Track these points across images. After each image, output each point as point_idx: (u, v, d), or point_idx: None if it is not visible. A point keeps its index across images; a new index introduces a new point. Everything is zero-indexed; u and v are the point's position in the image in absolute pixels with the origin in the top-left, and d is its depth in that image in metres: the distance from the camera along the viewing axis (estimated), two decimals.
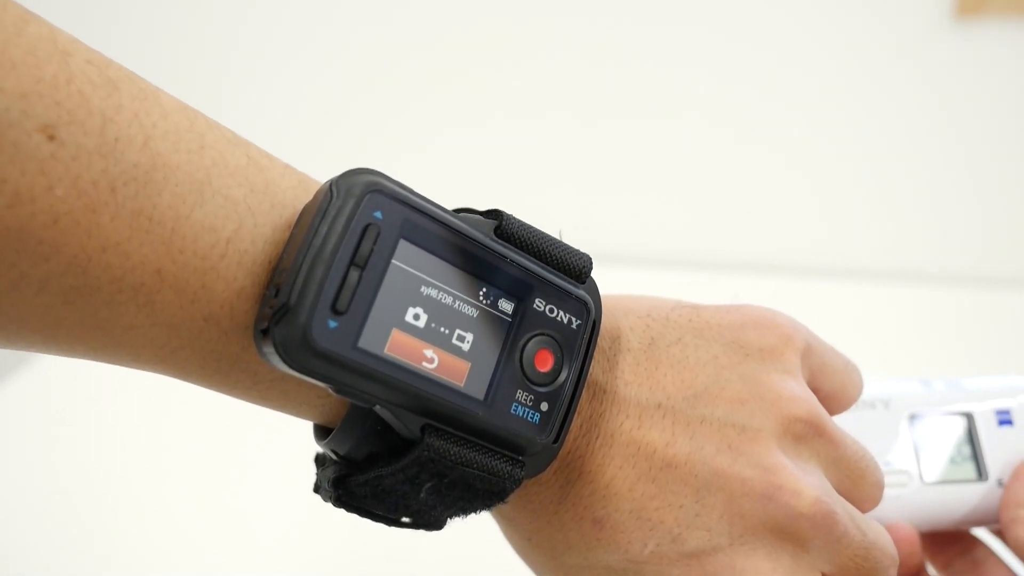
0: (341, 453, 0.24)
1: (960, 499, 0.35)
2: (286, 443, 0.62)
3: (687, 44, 0.89)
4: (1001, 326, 0.81)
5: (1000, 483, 0.35)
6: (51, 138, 0.19)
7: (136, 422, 0.69)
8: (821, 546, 0.24)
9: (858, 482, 0.27)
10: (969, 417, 0.36)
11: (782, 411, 0.25)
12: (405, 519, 0.25)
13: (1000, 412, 0.37)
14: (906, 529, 0.33)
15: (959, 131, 0.87)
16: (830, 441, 0.26)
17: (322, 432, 0.25)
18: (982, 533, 0.37)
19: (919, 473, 0.35)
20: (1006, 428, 0.36)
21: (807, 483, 0.24)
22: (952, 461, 0.36)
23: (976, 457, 0.36)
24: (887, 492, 0.34)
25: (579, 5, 0.90)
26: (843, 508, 0.25)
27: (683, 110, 0.91)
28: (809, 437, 0.25)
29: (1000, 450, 0.36)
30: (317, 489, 0.26)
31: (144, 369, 0.23)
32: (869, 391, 0.36)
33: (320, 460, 0.26)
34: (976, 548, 0.36)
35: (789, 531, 0.24)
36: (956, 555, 0.36)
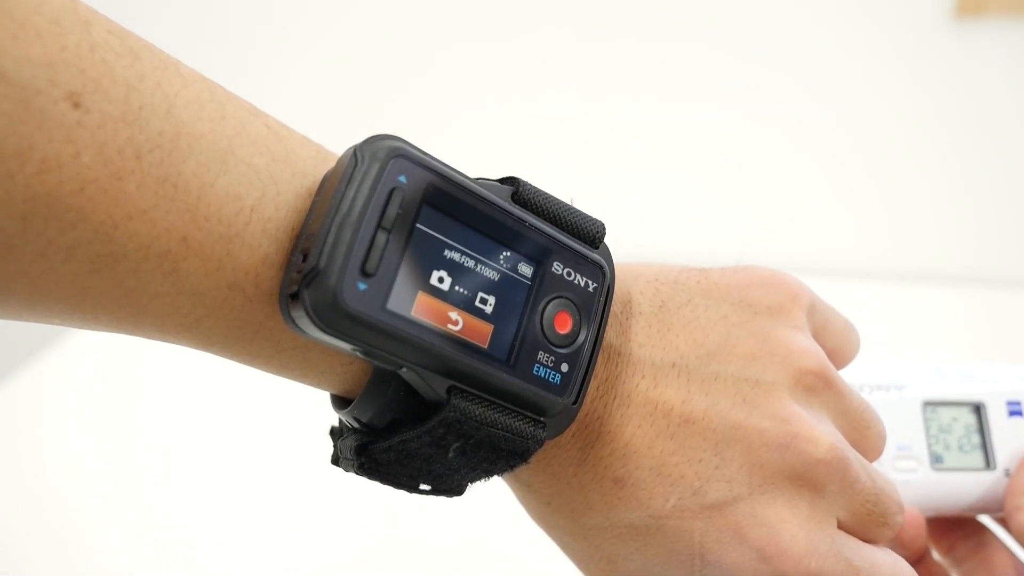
0: (364, 420, 0.24)
1: (967, 487, 0.36)
2: (291, 441, 0.63)
3: (686, 44, 0.89)
4: (998, 325, 0.81)
5: (1007, 473, 0.36)
6: (77, 106, 0.19)
7: (138, 420, 0.69)
8: (836, 491, 0.25)
9: (864, 432, 0.28)
10: (981, 406, 0.37)
11: (793, 364, 0.26)
12: (424, 486, 0.25)
13: (1011, 403, 0.37)
14: (912, 513, 0.34)
15: (959, 131, 0.87)
16: (838, 393, 0.27)
17: (340, 403, 0.25)
18: (985, 520, 0.38)
19: (928, 459, 0.36)
20: (1016, 419, 0.37)
21: (822, 431, 0.25)
22: (961, 449, 0.36)
23: (985, 446, 0.36)
24: (896, 476, 0.34)
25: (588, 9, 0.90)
26: (854, 455, 0.26)
27: (681, 111, 0.92)
28: (819, 389, 0.26)
29: (1009, 440, 0.36)
30: (336, 461, 0.26)
31: (167, 340, 0.23)
32: (884, 374, 0.36)
33: (336, 432, 0.26)
34: (979, 533, 0.37)
35: (806, 478, 0.25)
36: (959, 539, 0.37)
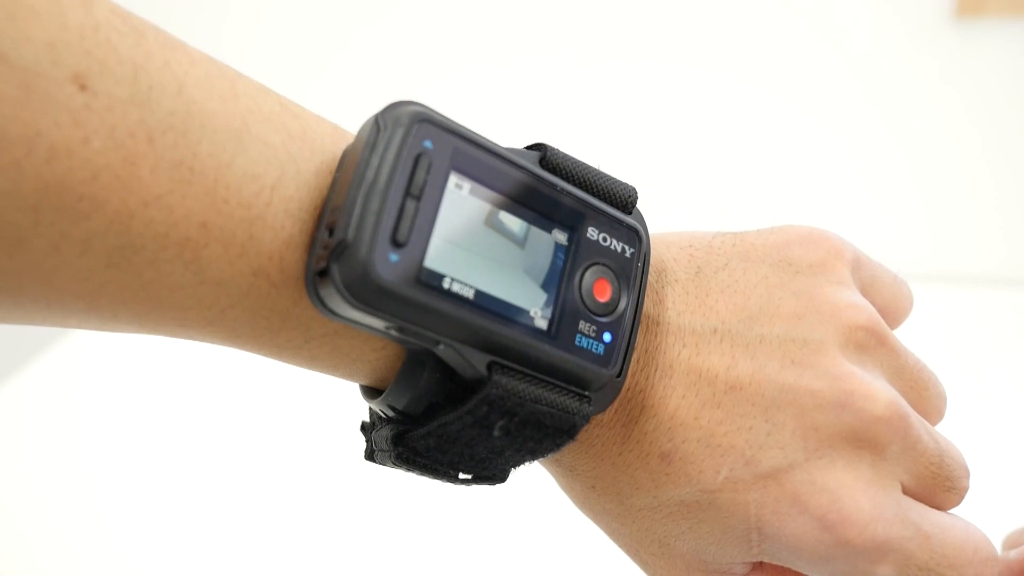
0: (399, 407, 0.23)
1: None
2: (295, 437, 0.62)
3: (686, 45, 0.88)
4: (998, 325, 0.80)
5: None
6: (83, 88, 0.18)
7: (138, 420, 0.69)
8: (898, 452, 0.24)
9: (923, 393, 0.26)
10: None
11: (842, 320, 0.24)
12: (464, 475, 0.24)
13: None
14: None
15: (958, 131, 0.86)
16: (892, 350, 0.25)
17: (372, 393, 0.24)
18: None
19: None
20: None
21: (879, 387, 0.24)
22: None
23: None
24: None
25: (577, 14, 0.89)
26: (915, 414, 0.25)
27: (681, 110, 0.91)
28: (871, 346, 0.25)
29: None
30: (370, 455, 0.25)
31: (190, 336, 0.22)
32: None
33: (368, 426, 0.25)
34: None
35: (866, 438, 0.23)
36: None
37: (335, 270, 0.19)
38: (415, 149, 0.20)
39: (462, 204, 0.21)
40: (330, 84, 0.98)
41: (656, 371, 0.25)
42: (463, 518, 0.55)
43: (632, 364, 0.25)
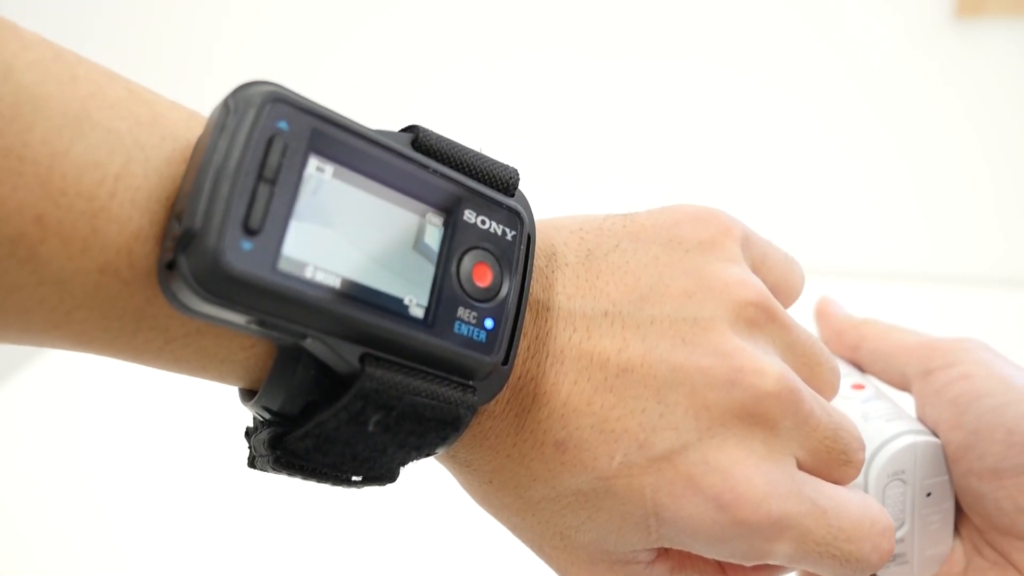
0: (275, 408, 0.22)
1: None
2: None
3: (685, 44, 0.88)
4: (998, 325, 0.79)
5: None
6: None
7: (131, 424, 0.68)
8: (791, 427, 0.24)
9: (815, 368, 0.26)
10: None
11: (731, 297, 0.24)
12: (355, 477, 0.23)
13: None
14: None
15: (958, 131, 0.87)
16: (783, 326, 0.25)
17: (249, 396, 0.23)
18: None
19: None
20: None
21: (768, 362, 0.23)
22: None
23: None
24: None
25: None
26: (807, 388, 0.24)
27: (682, 110, 0.90)
28: (762, 322, 0.25)
29: None
30: (252, 462, 0.24)
31: (39, 342, 0.20)
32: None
33: (250, 432, 0.24)
34: None
35: (757, 414, 0.23)
36: None
37: (183, 261, 0.18)
38: (268, 130, 0.19)
39: (324, 188, 0.20)
40: (328, 84, 0.96)
41: (547, 357, 0.24)
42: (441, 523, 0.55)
43: (523, 351, 0.24)
